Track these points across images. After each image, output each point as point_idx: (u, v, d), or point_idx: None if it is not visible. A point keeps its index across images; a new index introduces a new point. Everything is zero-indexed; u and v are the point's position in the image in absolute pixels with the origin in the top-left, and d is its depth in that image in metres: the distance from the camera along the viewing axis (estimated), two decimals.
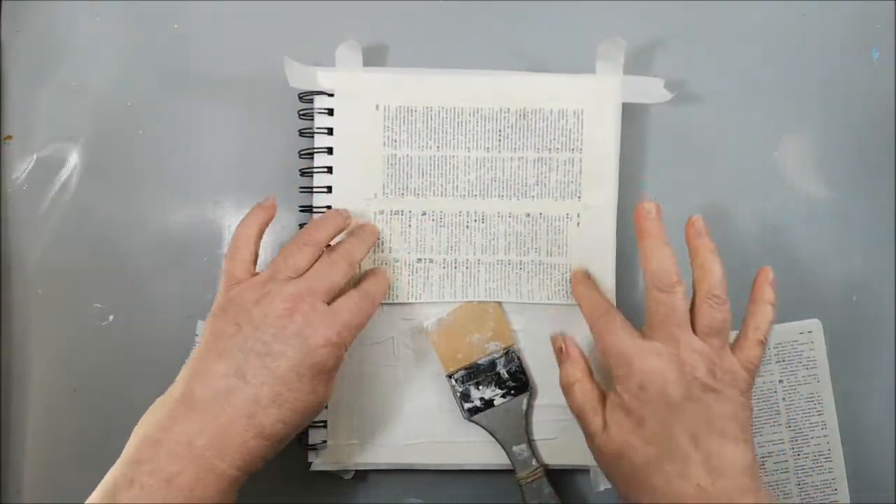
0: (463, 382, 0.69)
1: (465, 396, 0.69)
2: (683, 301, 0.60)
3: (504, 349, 0.69)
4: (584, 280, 0.68)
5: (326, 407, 0.70)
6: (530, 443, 0.69)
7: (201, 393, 0.57)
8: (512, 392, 0.69)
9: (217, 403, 0.57)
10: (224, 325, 0.59)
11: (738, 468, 0.56)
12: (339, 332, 0.60)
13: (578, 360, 0.65)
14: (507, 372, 0.69)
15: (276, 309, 0.59)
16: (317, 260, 0.63)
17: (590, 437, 0.62)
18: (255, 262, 0.64)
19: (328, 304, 0.61)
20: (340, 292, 0.63)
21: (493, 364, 0.69)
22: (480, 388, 0.69)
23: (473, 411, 0.69)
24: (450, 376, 0.69)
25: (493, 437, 0.69)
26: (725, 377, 0.59)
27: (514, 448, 0.69)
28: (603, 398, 0.63)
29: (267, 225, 0.65)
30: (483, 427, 0.69)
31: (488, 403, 0.69)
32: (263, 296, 0.59)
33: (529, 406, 0.70)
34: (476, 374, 0.69)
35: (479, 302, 0.70)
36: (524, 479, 0.68)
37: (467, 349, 0.69)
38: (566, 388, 0.65)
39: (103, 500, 0.54)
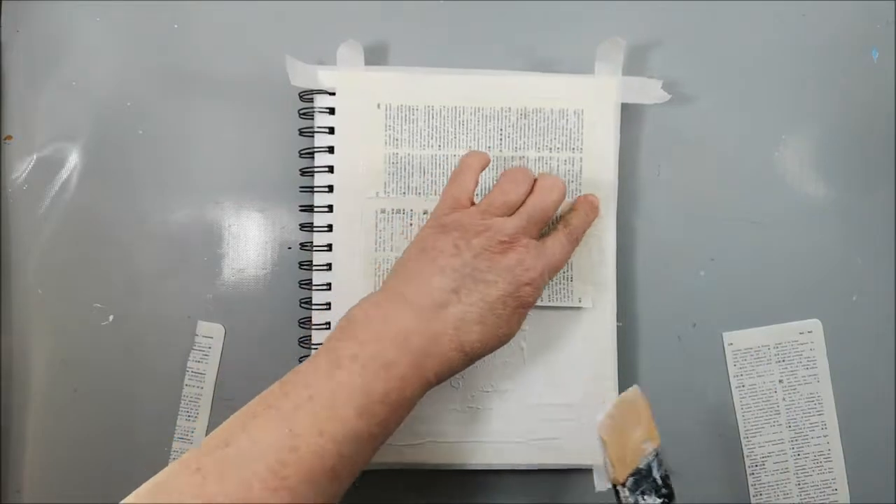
0: (632, 493, 0.59)
1: None
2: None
3: (655, 450, 0.60)
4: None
5: None
6: None
7: (420, 299, 0.60)
8: (667, 501, 0.60)
9: (433, 312, 0.60)
10: (444, 243, 0.62)
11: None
12: (542, 272, 0.63)
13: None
14: (661, 477, 0.60)
15: (493, 243, 0.61)
16: (528, 194, 0.64)
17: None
18: (475, 192, 0.65)
19: (538, 239, 0.64)
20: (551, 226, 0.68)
21: (650, 469, 0.60)
22: (645, 497, 0.60)
23: None
24: (621, 485, 0.59)
25: None
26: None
27: None
28: None
29: (485, 167, 0.66)
30: None
31: None
32: (485, 228, 0.62)
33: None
34: (640, 481, 0.60)
35: (632, 391, 0.61)
36: None
37: (632, 451, 0.60)
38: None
39: (319, 370, 0.57)
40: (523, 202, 0.64)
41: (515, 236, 0.62)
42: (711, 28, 0.75)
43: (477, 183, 0.65)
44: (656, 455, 0.60)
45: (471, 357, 0.61)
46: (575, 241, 0.66)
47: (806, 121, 0.74)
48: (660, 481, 0.60)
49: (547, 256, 0.63)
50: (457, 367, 0.61)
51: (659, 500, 0.59)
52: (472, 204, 0.64)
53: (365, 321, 0.59)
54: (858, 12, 0.75)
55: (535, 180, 0.64)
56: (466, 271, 0.61)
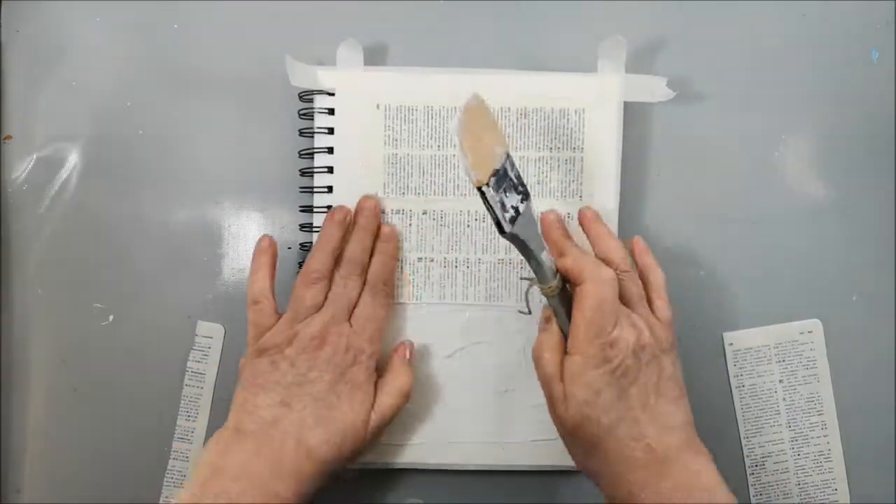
0: (496, 192, 0.58)
1: (503, 206, 0.58)
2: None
3: (505, 152, 0.60)
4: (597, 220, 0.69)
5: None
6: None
7: (251, 424, 0.62)
8: (525, 198, 0.61)
9: (267, 432, 0.61)
10: (262, 365, 0.64)
11: (679, 425, 0.61)
12: (360, 347, 0.65)
13: (556, 333, 0.64)
14: (515, 177, 0.60)
15: (305, 345, 0.63)
16: (330, 280, 0.67)
17: (552, 406, 0.62)
18: (275, 307, 0.67)
19: (350, 318, 0.66)
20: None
21: (505, 170, 0.59)
22: (508, 196, 0.59)
23: (512, 221, 0.59)
24: (485, 185, 0.57)
25: (528, 247, 0.60)
26: (661, 342, 0.62)
27: (543, 255, 0.61)
28: None
29: (275, 265, 0.68)
30: (520, 238, 0.60)
31: (517, 212, 0.59)
32: (293, 336, 0.64)
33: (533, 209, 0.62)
34: (500, 181, 0.59)
35: (473, 98, 0.59)
36: (553, 288, 0.62)
37: (488, 154, 0.59)
38: (537, 355, 0.64)
39: None
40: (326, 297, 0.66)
41: (324, 329, 0.64)
42: (711, 28, 0.74)
43: (273, 276, 0.67)
44: (507, 157, 0.60)
45: (327, 462, 0.62)
46: (381, 290, 0.68)
47: (806, 121, 0.74)
48: (515, 180, 0.60)
49: (363, 327, 0.66)
50: (317, 479, 0.62)
51: (518, 197, 0.60)
52: (273, 303, 0.66)
53: (207, 464, 0.60)
54: (858, 12, 0.75)
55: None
56: (289, 380, 0.63)
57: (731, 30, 0.74)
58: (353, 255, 0.67)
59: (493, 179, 0.58)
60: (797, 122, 0.74)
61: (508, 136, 0.70)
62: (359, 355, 0.65)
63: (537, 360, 0.64)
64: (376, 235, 0.69)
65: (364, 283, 0.68)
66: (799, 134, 0.74)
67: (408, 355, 0.69)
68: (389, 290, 0.69)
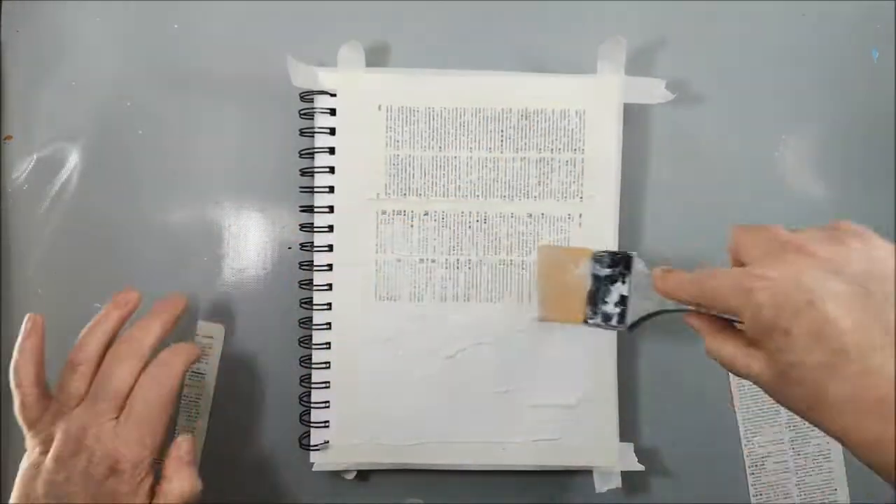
0: (595, 313, 0.62)
1: (607, 318, 0.62)
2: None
3: (590, 260, 0.63)
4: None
5: (328, 406, 0.70)
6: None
7: None
8: (625, 272, 0.62)
9: None
10: (28, 471, 0.58)
11: None
12: (121, 454, 0.57)
13: (720, 332, 0.56)
14: (608, 266, 0.63)
15: (60, 451, 0.57)
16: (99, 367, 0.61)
17: (754, 380, 0.52)
18: (40, 394, 0.62)
19: (118, 415, 0.59)
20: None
21: (596, 278, 0.63)
22: (608, 300, 0.62)
23: (622, 317, 0.62)
24: (585, 322, 0.63)
25: (654, 314, 0.61)
26: None
27: (669, 302, 0.60)
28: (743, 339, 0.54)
29: (43, 347, 0.63)
30: (644, 318, 0.61)
31: (623, 301, 0.62)
32: (50, 440, 0.58)
33: (645, 263, 0.62)
34: (596, 297, 0.62)
35: (542, 256, 0.67)
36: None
37: (574, 293, 0.63)
38: (713, 356, 0.57)
39: None
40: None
41: (81, 431, 0.57)
42: (711, 28, 0.74)
43: (40, 361, 0.62)
44: (592, 258, 0.63)
45: None
46: (163, 370, 0.61)
47: (806, 121, 0.74)
48: (607, 270, 0.62)
49: (136, 423, 0.58)
50: None
51: (621, 285, 0.62)
52: (38, 391, 0.61)
53: None
54: (858, 12, 0.75)
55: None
56: (49, 500, 0.56)
57: (731, 30, 0.74)
58: (140, 336, 0.62)
59: (588, 309, 0.63)
60: (797, 122, 0.74)
61: (509, 138, 0.70)
62: (118, 464, 0.56)
63: (717, 360, 0.56)
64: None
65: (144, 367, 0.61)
66: (799, 134, 0.74)
67: (186, 457, 0.61)
68: (171, 382, 0.61)
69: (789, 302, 0.46)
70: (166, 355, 0.62)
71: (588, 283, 0.63)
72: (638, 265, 0.62)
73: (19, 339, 0.63)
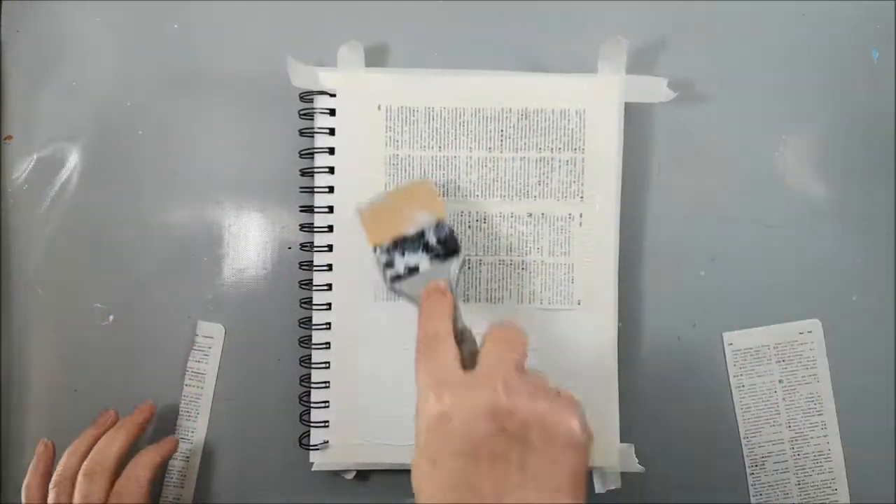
0: (388, 253, 0.63)
1: (389, 265, 0.63)
2: None
3: (434, 220, 0.64)
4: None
5: (327, 406, 0.70)
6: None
7: None
8: (440, 256, 0.63)
9: None
10: None
11: None
12: None
13: None
14: (437, 240, 0.63)
15: None
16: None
17: None
18: None
19: None
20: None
21: (422, 234, 0.63)
22: (406, 255, 0.63)
23: (395, 279, 0.62)
24: (374, 249, 0.64)
25: (417, 303, 0.61)
26: None
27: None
28: None
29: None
30: (406, 295, 0.62)
31: (413, 270, 0.62)
32: None
33: (462, 271, 0.65)
34: (402, 244, 0.63)
35: (413, 181, 0.69)
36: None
37: (396, 222, 0.64)
38: None
39: None
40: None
41: None
42: (711, 28, 0.74)
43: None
44: (436, 224, 0.63)
45: None
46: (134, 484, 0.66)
47: (806, 121, 0.74)
48: (434, 242, 0.62)
49: None
50: None
51: (427, 256, 0.62)
52: None
53: None
54: (858, 12, 0.75)
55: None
56: None
57: (732, 30, 0.74)
58: (97, 450, 0.67)
59: (388, 244, 0.63)
60: (797, 122, 0.74)
61: (509, 138, 0.70)
62: None
63: None
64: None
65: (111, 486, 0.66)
66: (799, 134, 0.74)
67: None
68: (142, 482, 0.66)
69: None
70: (131, 469, 0.67)
71: (410, 229, 0.63)
72: (454, 265, 0.62)
73: (33, 461, 0.69)
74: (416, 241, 0.63)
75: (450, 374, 0.52)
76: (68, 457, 0.67)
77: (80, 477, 0.65)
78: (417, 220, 0.64)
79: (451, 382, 0.51)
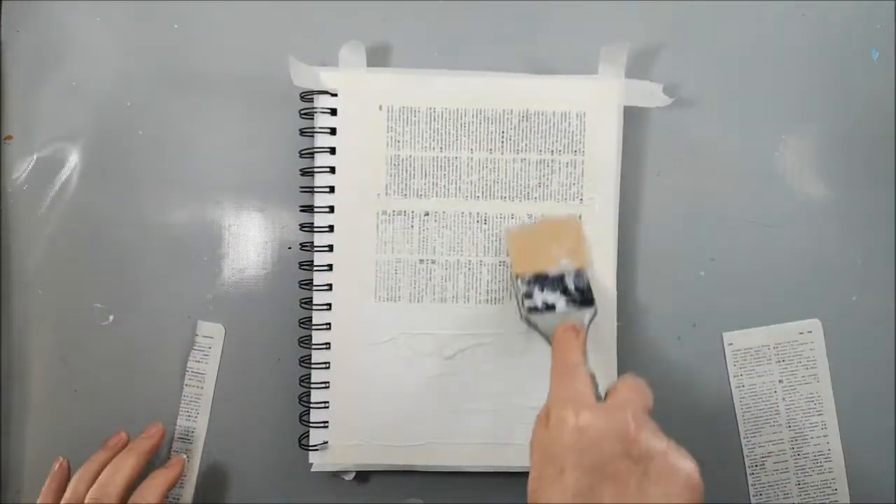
0: (529, 284, 0.67)
1: (528, 296, 0.67)
2: None
3: (575, 269, 0.67)
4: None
5: (327, 407, 0.70)
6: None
7: None
8: (576, 302, 0.66)
9: None
10: None
11: None
12: None
13: None
14: (575, 287, 0.66)
15: None
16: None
17: None
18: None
19: None
20: None
21: (562, 277, 0.67)
22: (545, 291, 0.67)
23: (533, 310, 0.66)
24: (516, 277, 0.68)
25: (547, 338, 0.65)
26: None
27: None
28: None
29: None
30: (538, 329, 0.66)
31: (550, 307, 0.66)
32: None
33: (592, 323, 0.66)
34: (543, 280, 0.67)
35: (565, 217, 0.70)
36: None
37: (542, 258, 0.68)
38: None
39: None
40: None
41: None
42: (711, 28, 0.74)
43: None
44: (577, 271, 0.66)
45: None
46: None
47: (806, 121, 0.74)
48: (572, 288, 0.66)
49: None
50: None
51: (563, 298, 0.66)
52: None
53: None
54: (858, 12, 0.75)
55: None
56: None
57: (731, 30, 0.74)
58: (105, 476, 0.67)
59: (530, 275, 0.67)
60: (797, 122, 0.74)
61: (510, 139, 0.70)
62: None
63: None
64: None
65: None
66: (799, 134, 0.74)
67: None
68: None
69: None
70: (138, 497, 0.66)
71: (552, 270, 0.67)
72: (586, 314, 0.66)
73: (48, 480, 0.68)
74: (556, 282, 0.66)
75: (586, 398, 0.56)
76: (76, 483, 0.66)
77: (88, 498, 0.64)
78: (562, 263, 0.67)
79: (587, 405, 0.55)
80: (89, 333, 0.74)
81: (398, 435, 0.70)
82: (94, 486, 0.65)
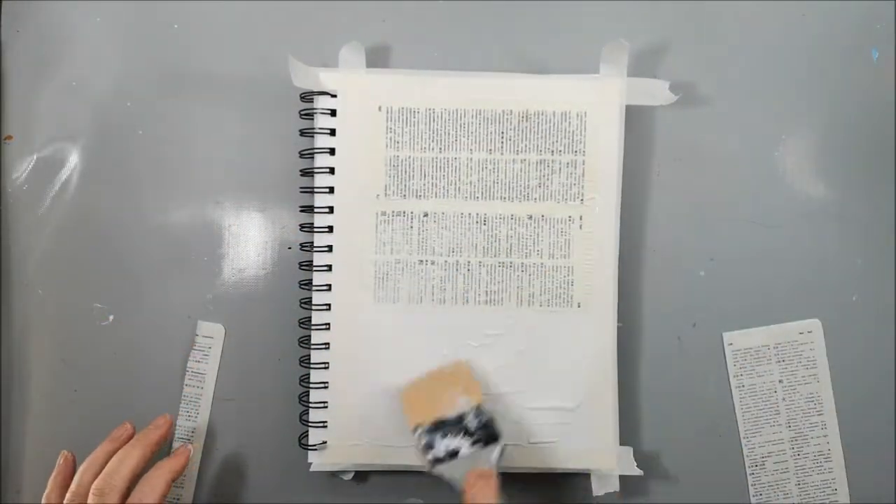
0: (428, 433, 0.66)
1: (429, 446, 0.66)
2: None
3: (474, 406, 0.67)
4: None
5: (326, 407, 0.70)
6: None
7: None
8: (480, 441, 0.65)
9: None
10: None
11: None
12: None
13: None
14: (478, 424, 0.66)
15: None
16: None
17: None
18: None
19: None
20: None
21: (461, 418, 0.66)
22: (447, 438, 0.66)
23: (436, 462, 0.65)
24: (415, 430, 0.67)
25: (456, 489, 0.64)
26: None
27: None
28: None
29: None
30: (447, 478, 0.65)
31: (453, 454, 0.65)
32: None
33: (502, 457, 0.66)
34: (443, 427, 0.66)
35: (453, 364, 0.70)
36: None
37: (436, 404, 0.67)
38: None
39: None
40: None
41: None
42: (711, 29, 0.74)
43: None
44: (476, 408, 0.66)
45: None
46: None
47: (806, 121, 0.74)
48: (474, 427, 0.65)
49: None
50: None
51: (469, 440, 0.65)
52: None
53: None
54: (858, 12, 0.75)
55: None
56: None
57: (732, 30, 0.74)
58: (110, 468, 0.65)
59: (426, 426, 0.66)
60: (797, 122, 0.74)
61: (510, 139, 0.70)
62: None
63: None
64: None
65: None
66: (799, 134, 0.74)
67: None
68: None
69: None
70: (144, 486, 0.65)
71: (450, 414, 0.67)
72: (494, 453, 0.65)
73: (53, 473, 0.67)
74: (456, 425, 0.66)
75: None
76: (82, 474, 0.65)
77: (90, 496, 0.63)
78: (457, 403, 0.67)
79: None
80: (89, 333, 0.74)
81: (396, 435, 0.70)
82: (100, 475, 0.64)
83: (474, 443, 0.65)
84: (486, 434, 0.65)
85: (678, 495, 0.74)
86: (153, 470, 0.66)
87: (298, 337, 0.71)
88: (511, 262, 0.70)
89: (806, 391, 0.73)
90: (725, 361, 0.74)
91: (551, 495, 0.74)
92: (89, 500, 0.63)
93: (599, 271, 0.70)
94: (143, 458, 0.66)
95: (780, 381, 0.73)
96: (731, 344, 0.73)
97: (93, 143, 0.74)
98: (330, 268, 0.70)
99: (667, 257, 0.73)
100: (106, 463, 0.65)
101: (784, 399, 0.73)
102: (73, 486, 0.64)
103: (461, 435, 0.65)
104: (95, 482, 0.64)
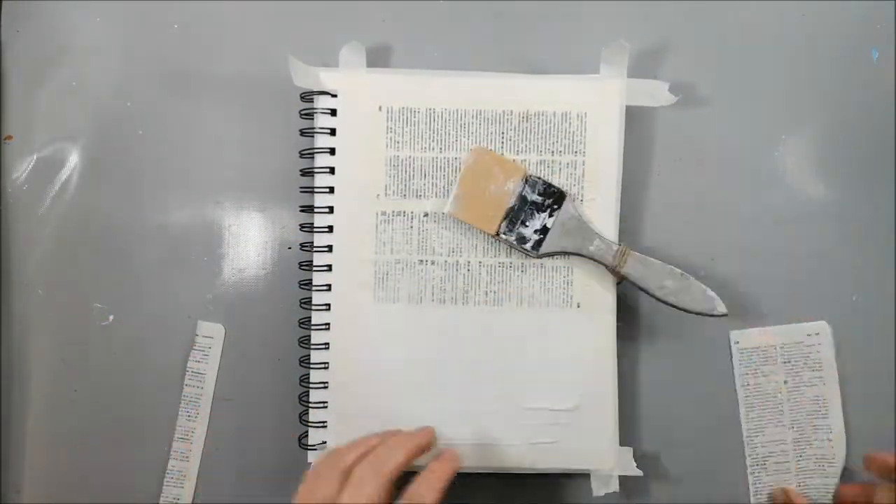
0: (511, 231, 0.68)
1: (522, 240, 0.68)
2: None
3: (522, 179, 0.69)
4: None
5: (326, 407, 0.70)
6: (598, 234, 0.69)
7: None
8: (554, 207, 0.68)
9: None
10: None
11: None
12: None
13: None
14: (538, 194, 0.68)
15: None
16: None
17: None
18: None
19: None
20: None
21: (523, 199, 0.68)
22: (528, 224, 0.69)
23: (538, 245, 0.69)
24: (497, 234, 0.69)
25: (568, 253, 0.69)
26: None
27: (591, 248, 0.68)
28: None
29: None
30: (557, 252, 0.69)
31: (544, 230, 0.68)
32: None
33: (576, 206, 0.69)
34: (515, 215, 0.69)
35: (471, 154, 0.69)
36: (617, 265, 0.68)
37: (494, 201, 0.69)
38: None
39: None
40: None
41: None
42: (711, 29, 0.74)
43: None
44: (526, 181, 0.68)
45: None
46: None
47: (806, 121, 0.74)
48: (539, 198, 0.68)
49: None
50: None
51: (545, 213, 0.68)
52: None
53: None
54: (858, 12, 0.75)
55: None
56: None
57: (732, 30, 0.74)
58: (385, 457, 0.61)
59: (504, 224, 0.69)
60: (797, 122, 0.74)
61: (510, 140, 0.70)
62: None
63: None
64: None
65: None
66: (799, 134, 0.74)
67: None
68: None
69: None
70: (420, 486, 0.61)
71: (511, 201, 0.69)
72: (569, 205, 0.68)
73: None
74: (524, 207, 0.69)
75: None
76: (350, 449, 0.62)
77: (357, 470, 0.60)
78: (508, 189, 0.69)
79: None
80: (89, 333, 0.74)
81: None
82: (372, 454, 0.61)
83: (547, 208, 0.68)
84: (552, 196, 0.69)
85: (678, 497, 0.74)
86: (428, 473, 0.62)
87: (298, 337, 0.71)
88: (511, 263, 0.70)
89: (811, 393, 0.73)
90: (731, 359, 0.73)
91: (551, 496, 0.73)
92: (355, 477, 0.59)
93: (599, 272, 0.70)
94: (408, 459, 0.62)
95: (785, 382, 0.73)
96: (737, 342, 0.73)
97: (93, 143, 0.74)
98: (330, 268, 0.70)
99: (668, 257, 0.73)
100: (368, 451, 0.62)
101: (788, 400, 0.73)
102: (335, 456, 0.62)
103: (535, 211, 0.68)
104: (365, 463, 0.61)
